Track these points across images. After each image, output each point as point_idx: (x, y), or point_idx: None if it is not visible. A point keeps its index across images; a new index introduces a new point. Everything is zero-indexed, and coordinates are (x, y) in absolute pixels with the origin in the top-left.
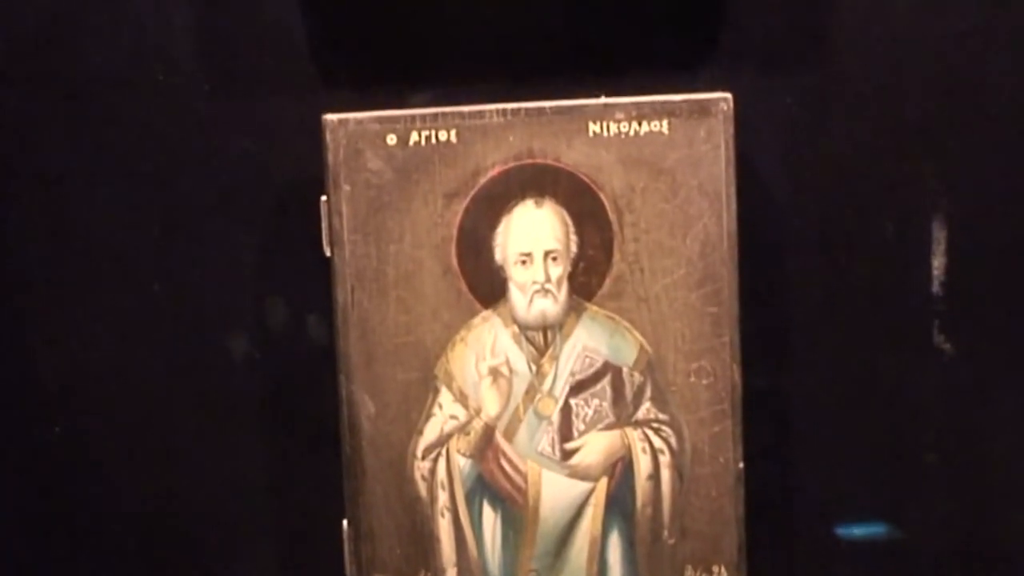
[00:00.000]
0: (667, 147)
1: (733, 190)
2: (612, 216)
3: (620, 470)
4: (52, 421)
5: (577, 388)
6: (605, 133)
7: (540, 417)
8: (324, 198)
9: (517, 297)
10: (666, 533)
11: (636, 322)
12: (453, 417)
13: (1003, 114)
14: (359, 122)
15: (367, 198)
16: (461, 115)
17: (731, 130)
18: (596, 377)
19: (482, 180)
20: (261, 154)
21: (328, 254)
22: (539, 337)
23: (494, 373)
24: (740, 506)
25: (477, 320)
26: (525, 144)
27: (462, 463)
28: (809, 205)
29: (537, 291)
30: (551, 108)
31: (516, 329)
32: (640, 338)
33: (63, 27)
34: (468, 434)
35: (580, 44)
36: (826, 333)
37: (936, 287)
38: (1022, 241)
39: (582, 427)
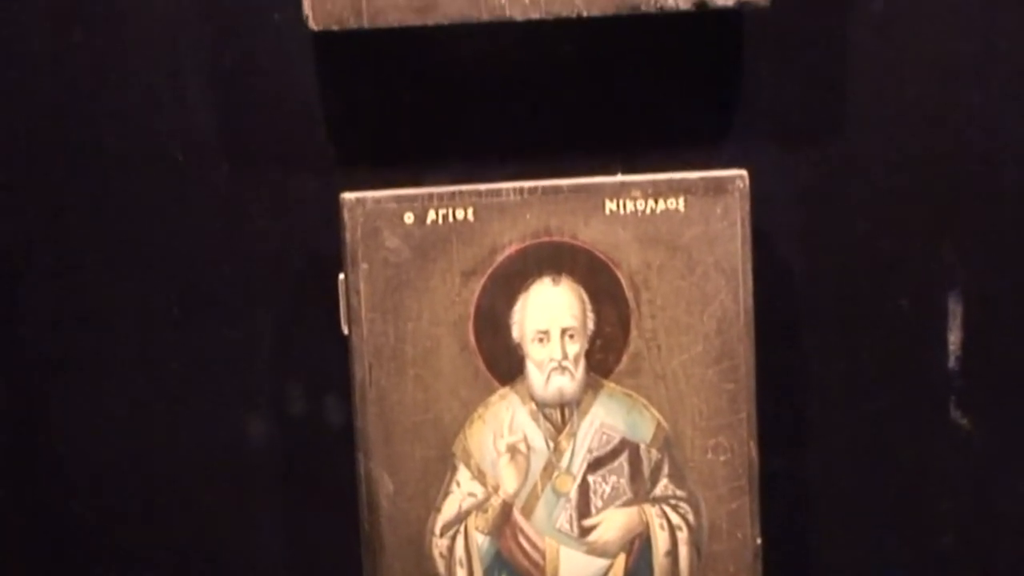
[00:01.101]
0: (683, 224)
1: (749, 267)
2: (629, 293)
3: (638, 547)
4: (70, 501)
5: (595, 465)
6: (622, 211)
7: (558, 494)
8: (342, 276)
9: (534, 374)
10: None
11: (653, 398)
12: (471, 494)
13: (1019, 189)
14: (377, 201)
15: (385, 276)
16: (478, 193)
17: (747, 207)
18: (614, 454)
19: (499, 258)
20: (279, 233)
21: (346, 332)
22: (556, 414)
23: (512, 450)
24: None
25: (495, 397)
26: (542, 222)
27: (480, 540)
28: (825, 280)
29: (554, 368)
30: (568, 186)
31: (534, 406)
32: (657, 415)
33: (81, 106)
34: (486, 511)
35: (596, 122)
36: (843, 409)
37: (952, 362)
38: None
39: (600, 504)
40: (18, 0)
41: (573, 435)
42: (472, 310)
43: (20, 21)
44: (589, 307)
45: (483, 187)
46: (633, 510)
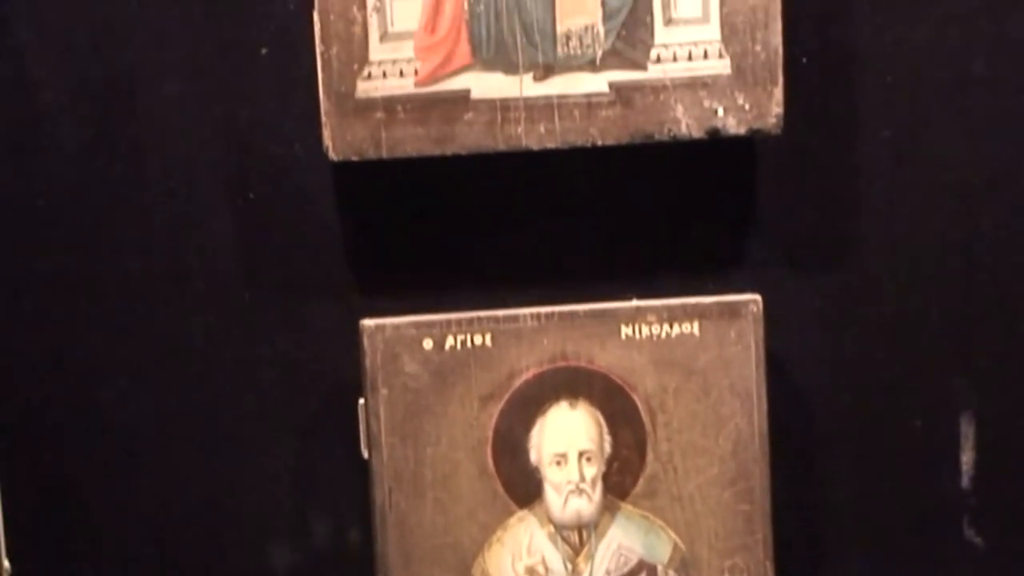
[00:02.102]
0: (698, 348)
1: (764, 389)
2: (645, 417)
3: None
4: None
5: None
6: (637, 335)
7: None
8: (362, 401)
9: (552, 497)
10: None
11: (670, 520)
12: None
13: None
14: (396, 327)
15: (404, 401)
16: (496, 319)
17: (761, 331)
18: (631, 575)
19: (517, 383)
20: (300, 359)
21: (366, 456)
22: (574, 536)
23: (531, 572)
24: None
25: (513, 520)
26: (559, 347)
27: None
28: (839, 402)
29: (572, 491)
30: (584, 312)
31: (552, 528)
32: (674, 536)
33: (105, 235)
34: None
35: (611, 248)
36: (858, 528)
37: (966, 482)
38: None
39: None
40: (46, 131)
41: (591, 557)
42: (490, 434)
43: (49, 151)
44: (606, 430)
45: (500, 313)
46: None
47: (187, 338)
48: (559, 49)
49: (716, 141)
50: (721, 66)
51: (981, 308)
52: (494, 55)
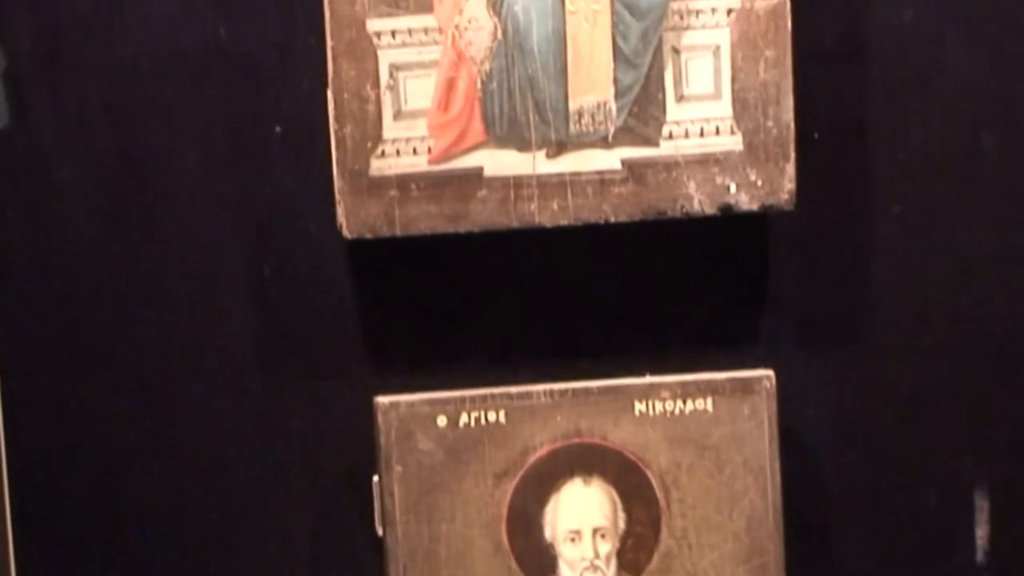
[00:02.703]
0: (712, 424)
1: (777, 465)
2: (659, 493)
3: None
4: None
5: None
6: (651, 412)
7: None
8: (376, 479)
9: (567, 574)
10: None
11: None
12: None
13: None
14: (410, 404)
15: (419, 478)
16: (509, 396)
17: (774, 406)
18: None
19: (531, 459)
20: (314, 435)
21: (380, 534)
22: None
23: None
24: None
25: None
26: (572, 424)
27: None
28: (853, 477)
29: (586, 568)
30: (597, 388)
31: None
32: None
33: (119, 311)
34: None
35: (624, 324)
36: None
37: (980, 556)
38: None
39: None
40: (62, 207)
41: None
42: (505, 511)
43: (64, 227)
44: (620, 507)
45: (514, 390)
46: None
47: (201, 415)
48: (571, 126)
49: (729, 217)
50: (733, 142)
51: (994, 382)
52: (507, 132)
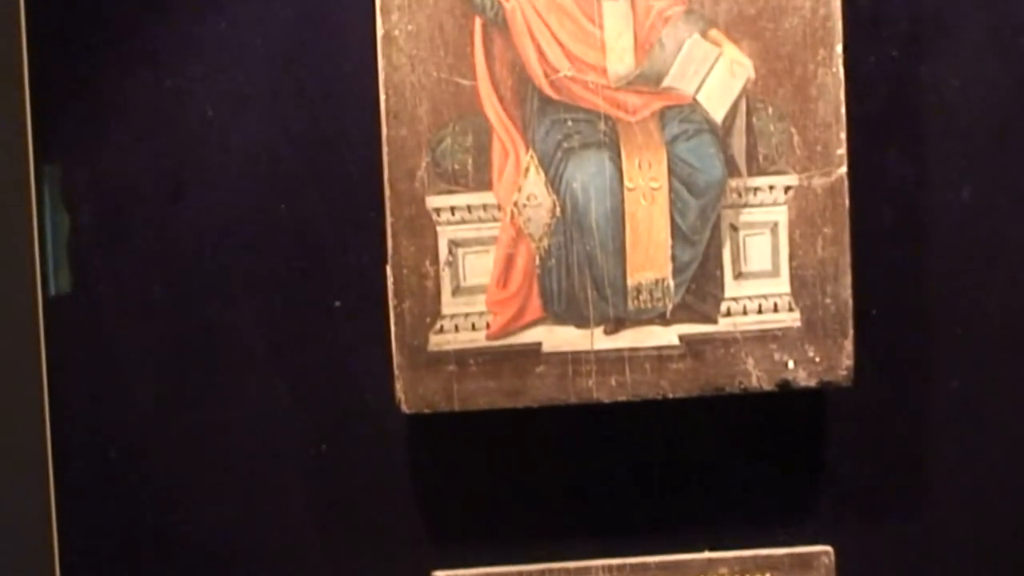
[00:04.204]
0: None
1: None
2: None
3: None
4: None
5: None
6: None
7: None
8: None
9: None
10: None
11: None
12: None
13: None
14: None
15: None
16: (567, 571)
17: None
18: None
19: None
20: None
21: None
22: None
23: None
24: None
25: None
26: None
27: None
28: None
29: None
30: (655, 564)
31: None
32: None
33: (179, 488)
34: None
35: (682, 499)
36: None
37: None
38: None
39: None
40: (123, 386)
41: None
42: None
43: (125, 406)
44: None
45: (572, 565)
46: None
47: None
48: (630, 303)
49: (786, 393)
50: (791, 319)
51: None
52: (565, 309)
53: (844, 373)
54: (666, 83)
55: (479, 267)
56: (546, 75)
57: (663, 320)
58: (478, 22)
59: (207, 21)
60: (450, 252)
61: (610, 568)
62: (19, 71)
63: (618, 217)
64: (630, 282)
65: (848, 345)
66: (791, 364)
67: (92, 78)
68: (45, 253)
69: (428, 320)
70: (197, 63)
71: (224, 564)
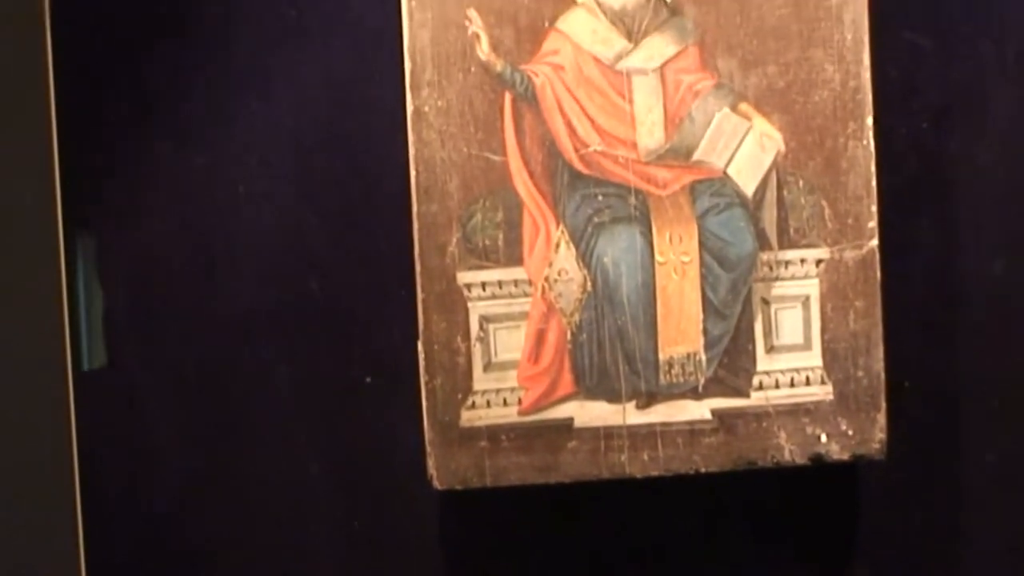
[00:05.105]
0: None
1: None
2: None
3: None
4: None
5: None
6: None
7: None
8: None
9: None
10: None
11: None
12: None
13: None
14: None
15: None
16: None
17: None
18: None
19: None
20: None
21: None
22: None
23: None
24: None
25: None
26: None
27: None
28: None
29: None
30: None
31: None
32: None
33: (211, 565)
34: None
35: (714, 571)
36: None
37: None
38: None
39: None
40: (155, 464)
41: None
42: None
43: (157, 483)
44: None
45: None
46: None
47: None
48: (661, 377)
49: (819, 467)
50: (823, 392)
51: None
52: (597, 384)
53: (877, 446)
54: (696, 157)
55: (510, 342)
56: (576, 150)
57: (695, 394)
58: (508, 97)
59: (239, 98)
60: (481, 328)
61: None
62: (51, 146)
63: (649, 291)
64: (662, 356)
65: (881, 418)
66: (823, 437)
67: (125, 154)
68: (78, 328)
69: (460, 396)
70: (229, 140)
71: None
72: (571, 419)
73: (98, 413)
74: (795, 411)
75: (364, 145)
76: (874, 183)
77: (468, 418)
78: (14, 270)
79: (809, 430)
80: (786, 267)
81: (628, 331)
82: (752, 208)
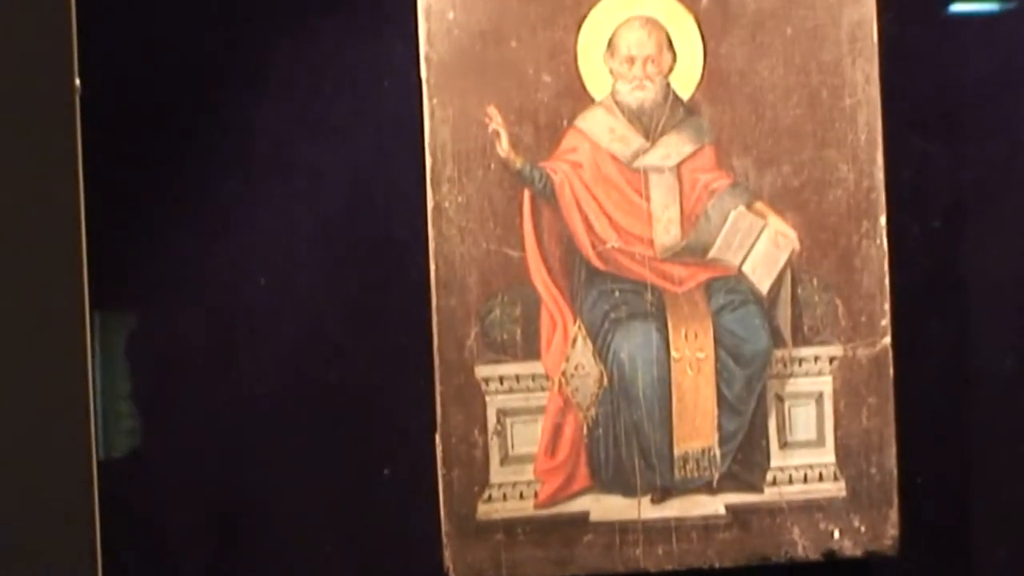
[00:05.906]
0: None
1: None
2: None
3: None
4: None
5: None
6: None
7: None
8: None
9: None
10: None
11: None
12: None
13: None
14: None
15: None
16: None
17: None
18: None
19: None
20: None
21: None
22: None
23: None
24: None
25: None
26: None
27: None
28: None
29: None
30: None
31: None
32: None
33: None
34: None
35: None
36: None
37: None
38: None
39: None
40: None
41: None
42: None
43: (173, 556)
44: None
45: None
46: None
47: None
48: (676, 472)
49: (832, 563)
50: (836, 488)
51: None
52: (613, 478)
53: (889, 542)
54: (712, 254)
55: (527, 436)
56: (594, 246)
57: (710, 489)
58: (527, 194)
59: (259, 190)
60: (498, 421)
61: None
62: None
63: (665, 387)
64: (677, 451)
65: (893, 514)
66: (836, 533)
67: (147, 247)
68: (98, 418)
69: (476, 489)
70: (250, 233)
71: None
72: (587, 512)
73: (117, 503)
74: (808, 507)
75: (384, 239)
76: (887, 281)
77: (485, 511)
78: (39, 356)
79: (822, 526)
80: (800, 364)
81: (644, 426)
82: (767, 305)
